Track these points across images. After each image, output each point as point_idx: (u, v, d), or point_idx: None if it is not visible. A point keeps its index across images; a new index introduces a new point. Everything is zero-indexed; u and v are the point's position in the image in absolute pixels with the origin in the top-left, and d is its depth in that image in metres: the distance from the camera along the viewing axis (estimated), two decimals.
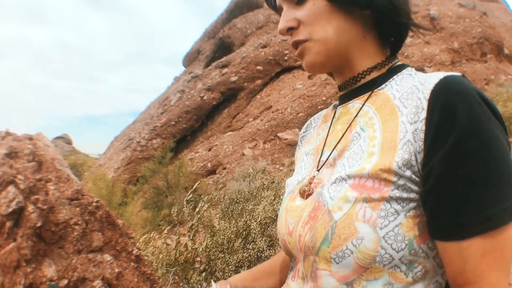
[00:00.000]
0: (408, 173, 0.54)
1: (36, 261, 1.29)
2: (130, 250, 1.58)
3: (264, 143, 13.28)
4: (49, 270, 1.30)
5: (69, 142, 49.27)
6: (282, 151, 12.48)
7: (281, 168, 11.15)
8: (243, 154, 12.93)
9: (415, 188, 0.54)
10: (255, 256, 3.94)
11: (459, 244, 0.51)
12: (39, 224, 1.31)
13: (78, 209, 1.45)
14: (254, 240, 4.04)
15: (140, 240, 3.81)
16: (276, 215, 4.28)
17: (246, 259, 3.88)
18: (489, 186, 0.49)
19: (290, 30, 0.69)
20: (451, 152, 0.50)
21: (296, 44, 0.69)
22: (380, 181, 0.55)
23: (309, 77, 15.12)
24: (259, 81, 16.70)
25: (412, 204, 0.54)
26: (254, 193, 5.96)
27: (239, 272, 3.82)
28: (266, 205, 4.74)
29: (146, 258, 1.74)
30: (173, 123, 16.41)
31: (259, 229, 4.28)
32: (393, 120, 0.59)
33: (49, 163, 1.52)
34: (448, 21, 15.91)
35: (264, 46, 17.36)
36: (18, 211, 1.30)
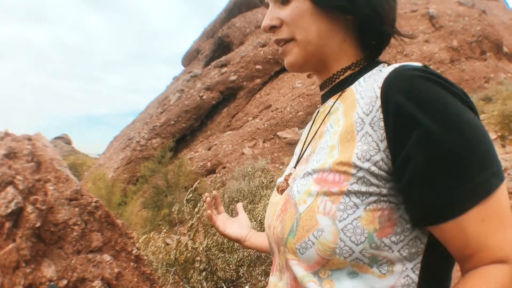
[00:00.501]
0: (366, 165, 0.55)
1: (36, 261, 1.29)
2: (129, 250, 1.58)
3: (263, 142, 13.29)
4: (48, 271, 1.30)
5: (68, 142, 49.26)
6: (281, 150, 12.48)
7: (281, 167, 11.15)
8: (243, 153, 12.94)
9: (374, 181, 0.55)
10: (255, 255, 3.95)
11: (456, 221, 0.51)
12: (38, 225, 1.31)
13: (77, 209, 1.45)
14: None
15: (140, 240, 3.81)
16: None
17: (246, 258, 3.88)
18: (471, 159, 0.50)
19: (273, 28, 0.71)
20: (424, 137, 0.50)
21: (278, 42, 0.72)
22: (340, 174, 0.56)
23: (309, 76, 15.12)
24: (258, 80, 16.70)
25: (372, 198, 0.55)
26: (254, 192, 5.97)
27: (239, 271, 3.83)
28: (266, 204, 4.75)
29: (145, 258, 1.74)
30: (172, 122, 16.41)
31: (259, 228, 4.29)
32: (351, 113, 0.61)
33: (48, 163, 1.52)
34: (447, 19, 15.91)
35: (263, 45, 17.36)
36: (17, 212, 1.30)
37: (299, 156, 0.75)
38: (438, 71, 0.59)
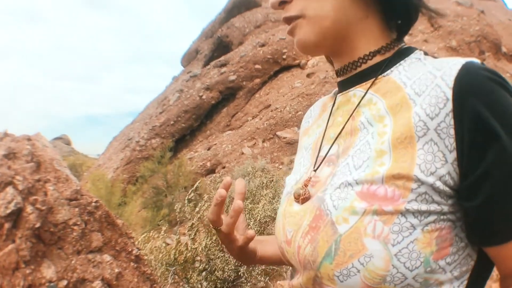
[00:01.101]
0: (431, 179, 0.47)
1: (35, 262, 1.29)
2: (129, 250, 1.58)
3: (263, 141, 13.28)
4: (48, 271, 1.29)
5: (68, 143, 49.23)
6: (281, 150, 12.47)
7: (280, 166, 11.14)
8: (242, 153, 12.93)
9: (437, 198, 0.48)
10: None
11: None
12: (38, 225, 1.31)
13: (77, 209, 1.44)
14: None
15: (139, 239, 3.81)
16: (276, 214, 4.27)
17: None
18: None
19: (283, 4, 0.61)
20: (503, 154, 0.46)
21: (288, 20, 0.61)
22: (394, 189, 0.48)
23: (308, 76, 15.11)
24: (257, 80, 16.69)
25: (432, 218, 0.48)
26: (254, 192, 5.96)
27: (239, 271, 3.82)
28: (265, 203, 4.74)
29: (146, 258, 1.74)
30: (172, 122, 16.40)
31: (258, 228, 4.28)
32: (405, 112, 0.52)
33: (47, 163, 1.51)
34: (446, 19, 15.91)
35: (263, 45, 17.35)
36: (16, 212, 1.30)
37: (318, 156, 0.64)
38: None
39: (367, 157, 0.53)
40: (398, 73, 0.58)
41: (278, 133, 13.10)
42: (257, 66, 16.72)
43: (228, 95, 16.81)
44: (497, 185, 0.46)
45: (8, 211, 1.28)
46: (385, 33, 0.62)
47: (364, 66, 0.62)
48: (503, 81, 0.48)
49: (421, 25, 15.95)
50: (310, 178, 0.61)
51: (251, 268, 3.87)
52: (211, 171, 13.19)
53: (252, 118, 15.25)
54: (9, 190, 1.33)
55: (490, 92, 0.47)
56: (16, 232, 1.28)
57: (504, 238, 0.48)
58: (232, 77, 16.70)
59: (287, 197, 0.66)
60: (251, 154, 12.52)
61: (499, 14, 20.21)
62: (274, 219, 4.41)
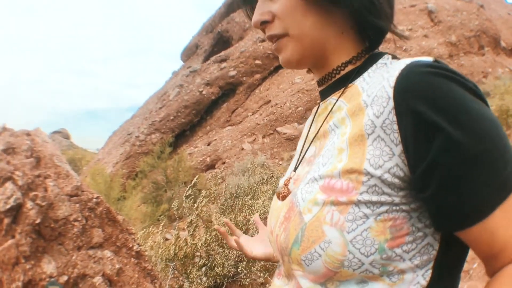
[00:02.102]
0: (379, 172, 0.52)
1: (35, 257, 1.29)
2: (130, 246, 1.58)
3: (263, 137, 13.28)
4: (48, 267, 1.29)
5: (66, 137, 49.20)
6: (281, 146, 12.48)
7: (280, 162, 11.15)
8: (242, 149, 12.93)
9: (387, 190, 0.52)
10: None
11: (482, 223, 0.49)
12: (38, 221, 1.30)
13: (77, 205, 1.44)
14: (253, 234, 4.04)
15: (138, 235, 3.81)
16: None
17: None
18: (496, 158, 0.48)
19: (264, 23, 0.67)
20: (448, 143, 0.48)
21: (271, 38, 0.67)
22: (349, 182, 0.53)
23: (308, 71, 15.10)
24: (258, 76, 16.67)
25: (383, 208, 0.52)
26: (254, 188, 5.97)
27: (238, 266, 3.83)
28: (265, 199, 4.75)
29: (146, 253, 1.73)
30: (171, 117, 16.39)
31: None
32: (360, 113, 0.57)
33: (47, 159, 1.51)
34: (446, 14, 15.87)
35: (263, 40, 17.29)
36: (16, 208, 1.29)
37: (298, 157, 0.72)
38: None
39: (331, 155, 0.59)
40: (363, 80, 0.63)
41: (278, 128, 13.10)
42: (257, 62, 16.69)
43: (228, 90, 16.79)
44: (448, 171, 0.49)
45: (8, 206, 1.27)
46: (358, 44, 0.67)
47: (337, 76, 0.68)
48: (452, 74, 0.51)
49: (421, 20, 15.92)
50: (290, 178, 0.70)
51: (250, 264, 3.88)
52: (211, 166, 13.21)
53: (252, 114, 15.24)
54: (9, 185, 1.32)
55: (432, 87, 0.50)
56: (16, 228, 1.28)
57: (469, 220, 0.50)
58: (232, 73, 16.67)
59: (274, 197, 0.74)
60: (251, 150, 12.52)
61: (498, 9, 20.18)
62: None
